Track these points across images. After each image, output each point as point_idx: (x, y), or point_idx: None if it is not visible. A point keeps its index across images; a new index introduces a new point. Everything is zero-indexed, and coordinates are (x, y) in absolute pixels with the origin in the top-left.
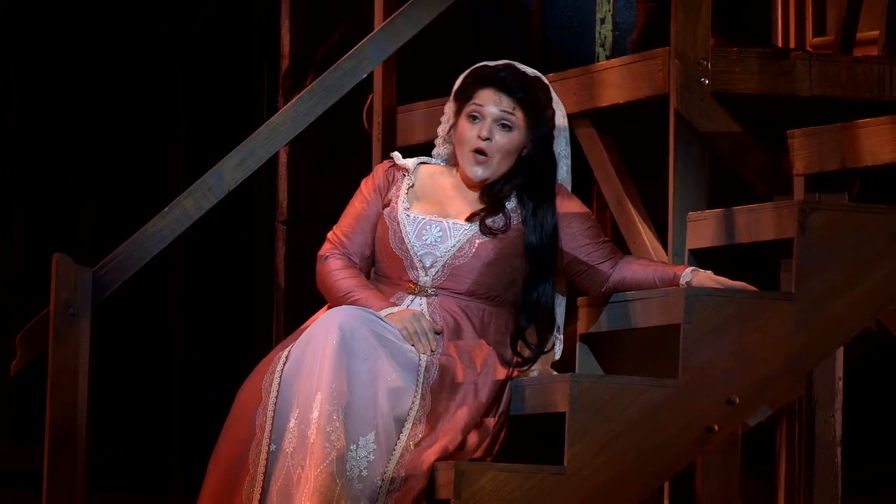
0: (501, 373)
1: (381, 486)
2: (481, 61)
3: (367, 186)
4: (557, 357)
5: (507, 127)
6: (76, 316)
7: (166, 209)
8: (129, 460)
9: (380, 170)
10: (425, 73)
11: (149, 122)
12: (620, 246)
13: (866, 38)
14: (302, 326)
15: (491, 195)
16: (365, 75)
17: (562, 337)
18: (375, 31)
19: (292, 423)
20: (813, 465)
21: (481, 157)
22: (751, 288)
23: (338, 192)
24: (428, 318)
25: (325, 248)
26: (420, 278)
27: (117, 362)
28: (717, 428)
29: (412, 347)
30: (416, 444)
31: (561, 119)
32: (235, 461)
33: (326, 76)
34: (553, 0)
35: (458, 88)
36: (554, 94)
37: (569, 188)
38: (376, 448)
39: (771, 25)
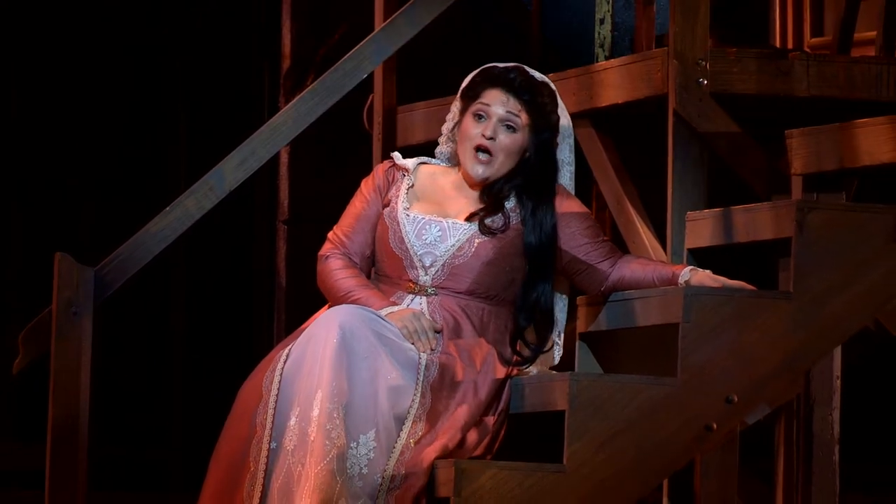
0: (501, 371)
1: (381, 484)
2: (481, 61)
3: (367, 186)
4: (556, 362)
5: (511, 128)
6: (78, 315)
7: (168, 209)
8: (130, 459)
9: (380, 170)
10: (425, 74)
11: (150, 123)
12: (619, 245)
13: (864, 39)
14: (302, 326)
15: (490, 195)
16: (365, 75)
17: (561, 343)
18: (376, 31)
19: (293, 421)
20: (811, 463)
21: (483, 157)
22: (749, 287)
23: (338, 191)
24: (428, 317)
25: (326, 248)
26: (420, 278)
27: (118, 361)
28: (715, 426)
29: (412, 346)
30: (417, 442)
31: (566, 126)
32: (236, 459)
33: (327, 76)
34: (553, 0)
35: (466, 87)
36: (560, 102)
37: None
38: (376, 446)
39: (769, 26)
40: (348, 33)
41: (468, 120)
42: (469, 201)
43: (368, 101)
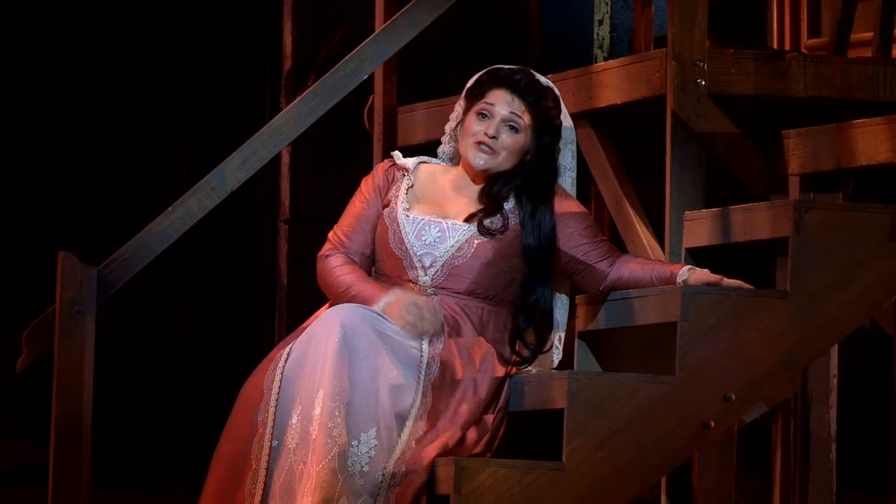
0: (500, 370)
1: (381, 482)
2: (481, 62)
3: (366, 186)
4: (555, 365)
5: (514, 128)
6: (81, 314)
7: (170, 208)
8: (133, 458)
9: (379, 169)
10: (426, 74)
11: (151, 123)
12: (618, 245)
13: (860, 40)
14: (303, 324)
15: (490, 196)
16: (366, 76)
17: (561, 345)
18: (376, 32)
19: (294, 420)
20: (808, 461)
21: (486, 149)
22: (747, 286)
23: (339, 191)
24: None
25: (326, 248)
26: (419, 278)
27: (121, 360)
28: (713, 424)
29: (414, 344)
30: (417, 441)
31: (569, 132)
32: (238, 457)
33: (328, 77)
34: (552, 1)
35: (472, 87)
36: (564, 107)
37: None
38: (377, 444)
39: (766, 27)
40: (349, 34)
41: (471, 118)
42: (468, 202)
43: (369, 102)
